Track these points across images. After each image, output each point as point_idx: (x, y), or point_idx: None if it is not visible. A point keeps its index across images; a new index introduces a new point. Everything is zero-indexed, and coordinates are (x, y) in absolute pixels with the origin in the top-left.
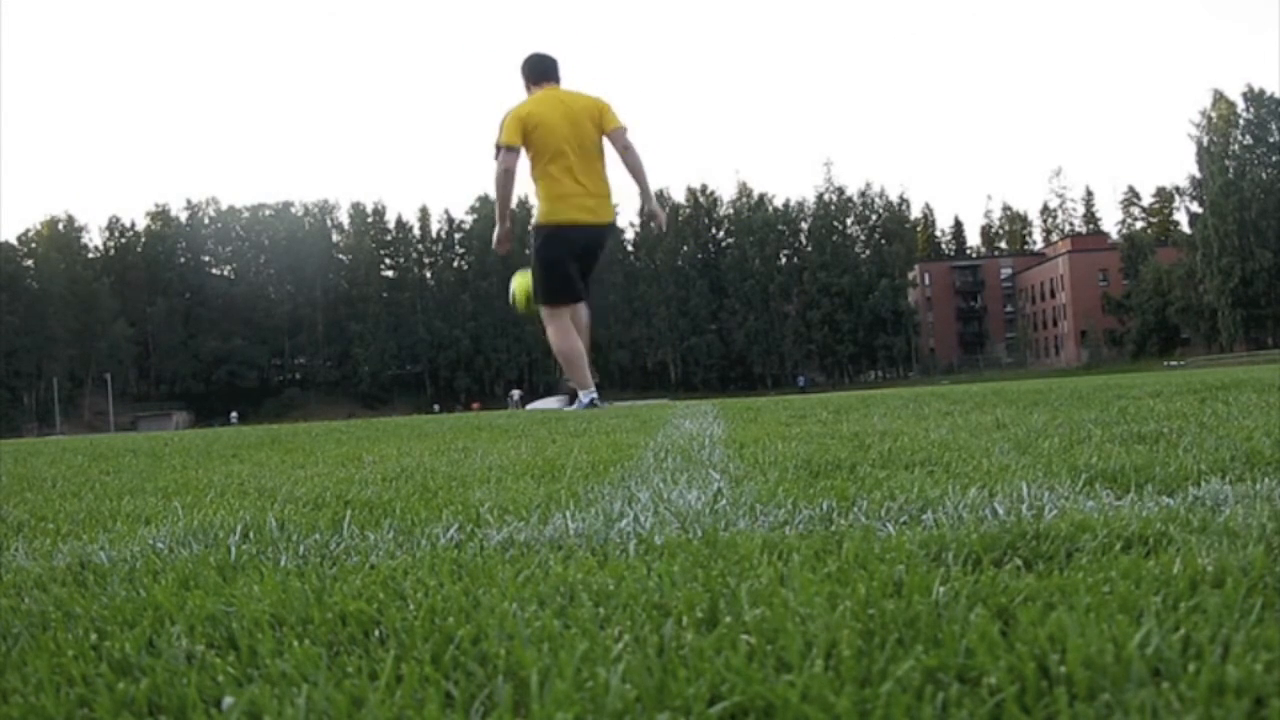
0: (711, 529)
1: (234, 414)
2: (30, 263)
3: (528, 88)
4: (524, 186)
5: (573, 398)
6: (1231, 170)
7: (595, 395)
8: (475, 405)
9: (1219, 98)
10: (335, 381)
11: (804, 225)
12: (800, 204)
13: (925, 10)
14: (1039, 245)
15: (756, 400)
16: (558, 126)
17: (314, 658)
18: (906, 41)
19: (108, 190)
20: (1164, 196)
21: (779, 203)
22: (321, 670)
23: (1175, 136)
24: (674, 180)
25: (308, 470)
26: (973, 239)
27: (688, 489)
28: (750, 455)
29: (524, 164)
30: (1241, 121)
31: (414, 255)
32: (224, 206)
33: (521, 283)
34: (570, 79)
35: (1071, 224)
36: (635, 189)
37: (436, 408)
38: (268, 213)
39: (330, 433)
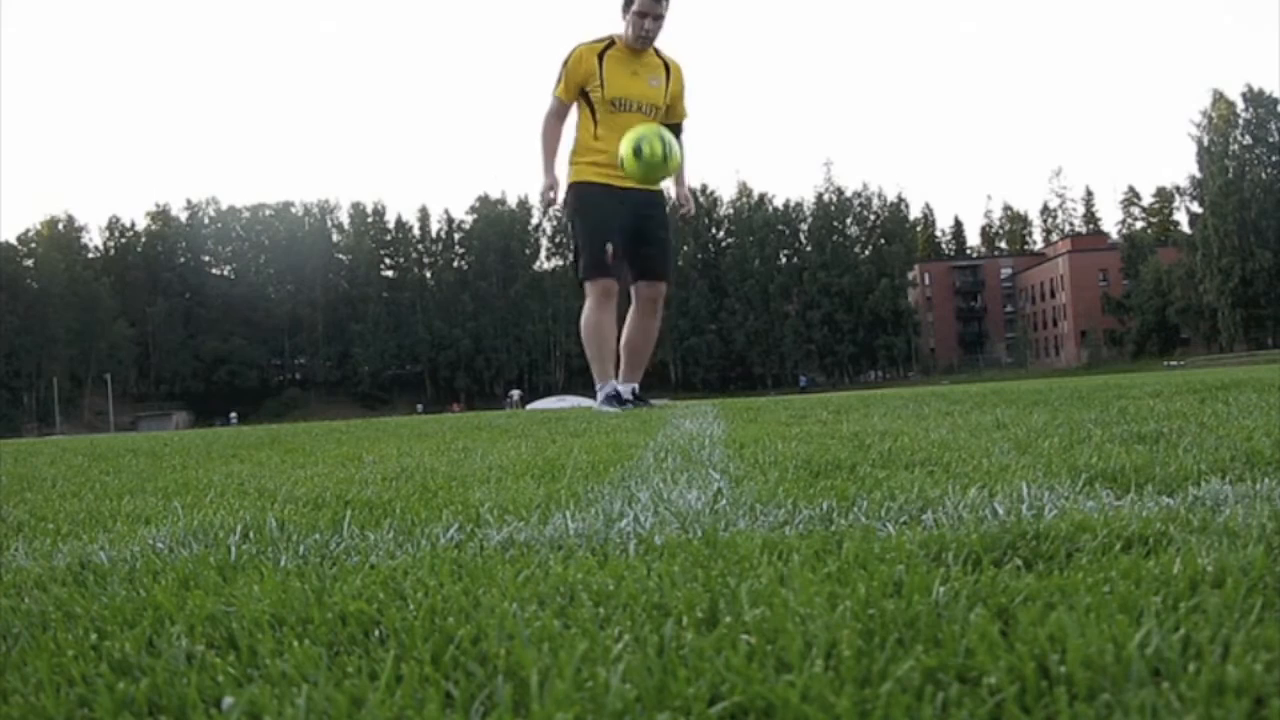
0: (711, 529)
1: (233, 414)
2: (30, 263)
3: None
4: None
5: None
6: (1231, 170)
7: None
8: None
9: (1219, 98)
10: (335, 381)
11: (804, 225)
12: (800, 204)
13: (925, 10)
14: (1039, 245)
15: (756, 400)
16: None
17: (314, 658)
18: (906, 41)
19: (108, 190)
20: (1164, 196)
21: (779, 203)
22: (321, 670)
23: (1175, 136)
24: None
25: (308, 470)
26: (973, 239)
27: (688, 489)
28: (750, 455)
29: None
30: (1241, 121)
31: (414, 255)
32: (224, 206)
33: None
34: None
35: (1071, 224)
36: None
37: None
38: (268, 213)
39: (330, 433)
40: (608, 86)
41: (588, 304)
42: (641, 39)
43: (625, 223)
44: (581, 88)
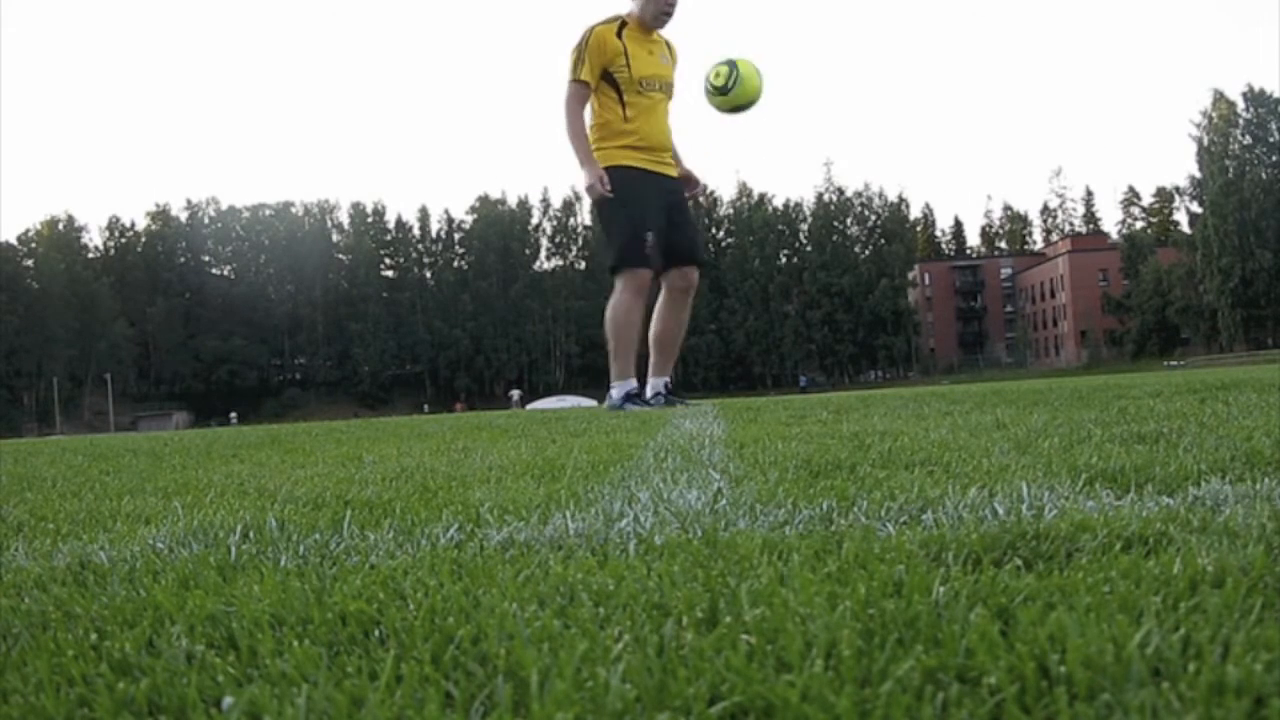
0: (711, 529)
1: (233, 414)
2: (30, 263)
3: None
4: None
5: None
6: (1231, 170)
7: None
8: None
9: (1219, 98)
10: (335, 381)
11: (804, 225)
12: (800, 204)
13: (926, 10)
14: (1039, 245)
15: (756, 400)
16: None
17: (314, 658)
18: (906, 41)
19: (108, 190)
20: (1164, 196)
21: (779, 203)
22: (321, 670)
23: (1175, 136)
24: None
25: (308, 470)
26: (973, 239)
27: (688, 489)
28: (750, 455)
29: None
30: (1241, 121)
31: (414, 255)
32: (224, 206)
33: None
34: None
35: (1071, 224)
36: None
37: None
38: (268, 213)
39: (330, 433)
40: (634, 66)
41: (620, 294)
42: (660, 17)
43: (661, 211)
44: (605, 68)
